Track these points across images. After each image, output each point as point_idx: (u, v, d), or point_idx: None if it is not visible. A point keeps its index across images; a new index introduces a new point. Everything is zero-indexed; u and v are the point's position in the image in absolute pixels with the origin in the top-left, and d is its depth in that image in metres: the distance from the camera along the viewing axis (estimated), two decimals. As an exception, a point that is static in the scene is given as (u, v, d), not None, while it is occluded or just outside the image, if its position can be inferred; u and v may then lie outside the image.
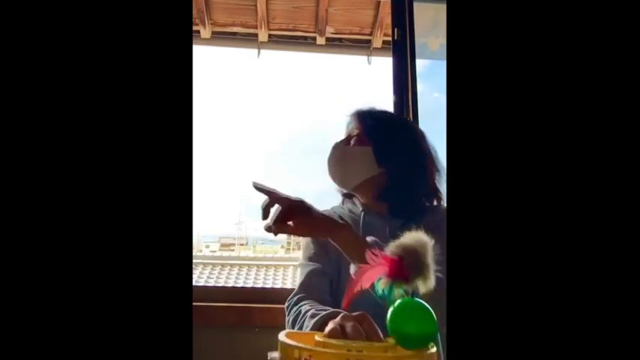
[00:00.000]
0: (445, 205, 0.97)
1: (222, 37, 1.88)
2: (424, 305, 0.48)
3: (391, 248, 0.51)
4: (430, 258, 0.50)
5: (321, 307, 0.82)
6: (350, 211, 0.98)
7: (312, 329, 0.75)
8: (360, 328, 0.57)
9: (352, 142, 0.97)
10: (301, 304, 0.86)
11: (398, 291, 0.49)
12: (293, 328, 0.83)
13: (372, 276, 0.51)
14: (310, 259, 0.94)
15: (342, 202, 1.03)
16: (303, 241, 1.01)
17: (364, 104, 1.02)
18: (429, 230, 0.83)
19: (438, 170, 0.98)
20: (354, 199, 1.00)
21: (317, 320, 0.75)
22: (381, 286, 0.50)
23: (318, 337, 0.53)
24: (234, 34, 1.87)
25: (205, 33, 1.84)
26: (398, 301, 0.49)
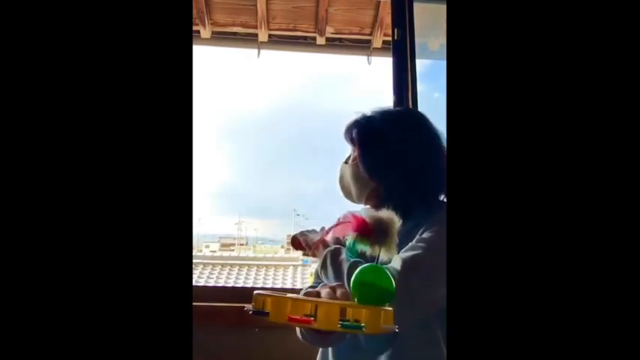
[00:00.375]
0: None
1: (222, 37, 1.88)
2: (382, 269, 0.55)
3: (363, 213, 0.59)
4: (394, 233, 0.57)
5: None
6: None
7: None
8: (334, 295, 0.59)
9: (351, 158, 0.99)
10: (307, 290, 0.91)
11: (360, 245, 0.57)
12: None
13: (342, 229, 0.61)
14: None
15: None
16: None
17: (355, 115, 1.01)
18: (435, 230, 0.83)
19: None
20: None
21: (304, 293, 0.79)
22: (348, 239, 0.59)
23: (289, 295, 0.56)
24: (234, 34, 1.87)
25: (205, 33, 1.84)
26: (360, 268, 0.55)
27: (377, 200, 0.94)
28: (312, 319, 0.48)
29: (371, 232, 0.57)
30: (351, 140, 0.98)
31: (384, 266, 0.57)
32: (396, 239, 0.57)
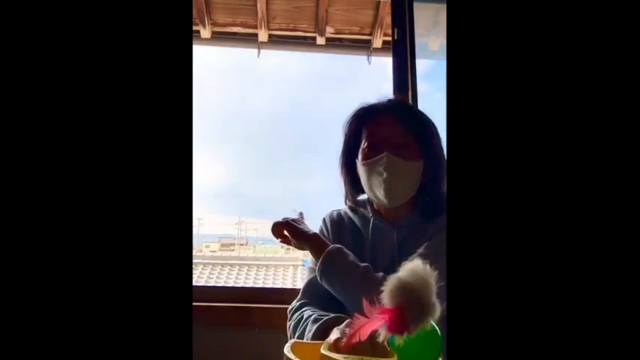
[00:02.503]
0: None
1: (222, 37, 1.88)
2: (429, 330, 0.46)
3: (389, 288, 0.47)
4: (433, 295, 0.46)
5: (323, 312, 0.81)
6: (362, 215, 0.95)
7: (314, 334, 0.75)
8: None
9: (401, 150, 0.87)
10: (303, 309, 0.86)
11: (399, 340, 0.46)
12: (294, 333, 0.83)
13: (370, 327, 0.49)
14: (314, 261, 0.92)
15: (348, 205, 0.99)
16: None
17: (393, 99, 0.95)
18: (439, 238, 0.82)
19: None
20: (366, 204, 0.96)
21: (320, 325, 0.75)
22: (381, 338, 0.47)
23: (323, 351, 0.52)
24: (234, 34, 1.87)
25: (205, 33, 1.84)
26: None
27: (408, 202, 0.90)
28: None
29: (409, 324, 0.45)
30: (415, 133, 0.88)
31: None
32: (434, 303, 0.46)
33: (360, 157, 0.91)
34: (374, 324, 0.48)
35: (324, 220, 0.99)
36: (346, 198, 0.98)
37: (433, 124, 0.94)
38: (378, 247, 0.90)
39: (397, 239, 0.89)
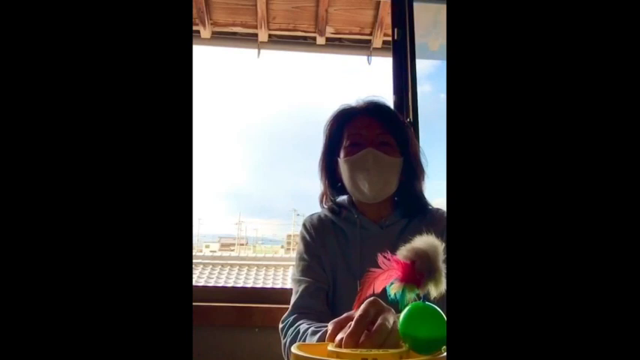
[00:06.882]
0: (433, 207, 0.96)
1: (222, 37, 1.88)
2: (435, 309, 0.48)
3: (403, 252, 0.51)
4: (441, 262, 0.49)
5: (320, 324, 0.77)
6: (345, 216, 0.95)
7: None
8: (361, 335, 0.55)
9: (382, 147, 0.89)
10: (298, 323, 0.82)
11: (410, 295, 0.49)
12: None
13: (384, 280, 0.51)
14: (303, 272, 0.91)
15: (328, 205, 0.97)
16: (296, 251, 0.97)
17: (374, 97, 0.96)
18: (425, 231, 0.85)
19: (423, 170, 0.96)
20: (348, 205, 0.96)
21: (320, 336, 0.72)
22: (392, 291, 0.50)
23: (330, 347, 0.51)
24: (234, 34, 1.87)
25: (205, 33, 1.84)
26: (409, 306, 0.49)
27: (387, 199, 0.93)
28: None
29: (421, 277, 0.49)
30: (394, 132, 0.91)
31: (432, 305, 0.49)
32: (443, 270, 0.49)
33: (342, 154, 0.92)
34: (387, 276, 0.51)
35: (304, 226, 0.97)
36: (325, 199, 0.98)
37: (409, 126, 0.97)
38: (367, 246, 0.90)
39: (385, 239, 0.89)
